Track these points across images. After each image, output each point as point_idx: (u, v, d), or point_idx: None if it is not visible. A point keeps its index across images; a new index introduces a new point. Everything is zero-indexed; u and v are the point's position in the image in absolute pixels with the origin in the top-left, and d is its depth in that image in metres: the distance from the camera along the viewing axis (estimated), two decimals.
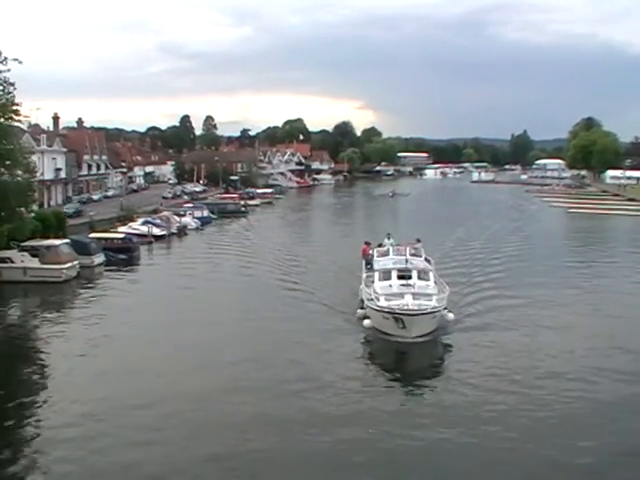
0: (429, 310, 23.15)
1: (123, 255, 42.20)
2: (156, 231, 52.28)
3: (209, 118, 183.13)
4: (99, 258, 40.22)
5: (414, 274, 26.88)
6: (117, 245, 43.24)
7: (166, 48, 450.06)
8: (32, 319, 28.99)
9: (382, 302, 23.89)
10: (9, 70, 34.14)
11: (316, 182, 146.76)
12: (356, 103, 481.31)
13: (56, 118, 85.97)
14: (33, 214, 41.09)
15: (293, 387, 19.39)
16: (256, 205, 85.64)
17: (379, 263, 29.37)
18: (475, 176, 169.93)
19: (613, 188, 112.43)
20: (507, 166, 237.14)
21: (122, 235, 46.23)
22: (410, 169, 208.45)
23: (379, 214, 79.24)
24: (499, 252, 44.45)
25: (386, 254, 30.52)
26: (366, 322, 24.32)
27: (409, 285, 25.77)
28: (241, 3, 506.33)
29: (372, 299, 24.59)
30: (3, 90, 34.45)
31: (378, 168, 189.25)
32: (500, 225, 62.32)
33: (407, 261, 27.82)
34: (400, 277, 26.81)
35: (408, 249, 29.96)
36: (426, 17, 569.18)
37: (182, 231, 56.76)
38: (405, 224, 60.45)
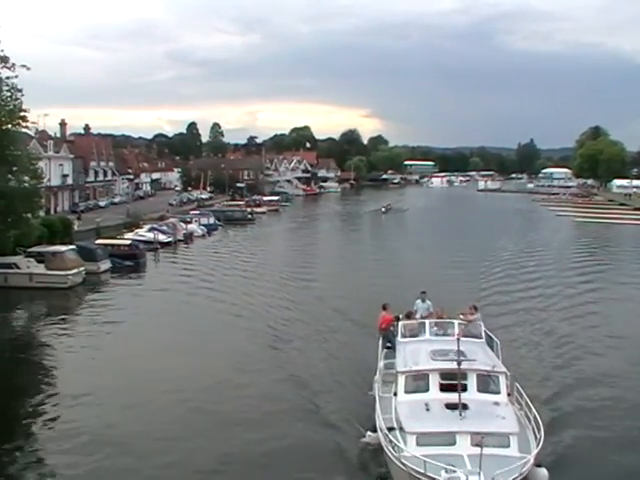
0: (508, 475, 11.94)
1: (129, 262, 42.35)
2: (162, 238, 52.36)
3: (216, 125, 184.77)
4: (105, 264, 40.29)
5: (472, 382, 14.79)
6: (123, 252, 43.32)
7: (174, 55, 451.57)
8: (37, 325, 29.00)
9: (412, 448, 12.95)
10: (17, 76, 34.32)
11: (322, 190, 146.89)
12: (363, 111, 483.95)
13: (63, 124, 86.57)
14: (40, 220, 41.15)
15: None
16: (262, 213, 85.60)
17: (406, 350, 16.79)
18: (481, 185, 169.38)
19: (620, 197, 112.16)
20: (514, 175, 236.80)
21: (128, 242, 46.43)
22: (416, 177, 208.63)
23: (366, 247, 56.46)
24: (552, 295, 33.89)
25: (419, 333, 17.83)
26: None
27: (464, 408, 13.84)
28: (249, 11, 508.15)
29: (393, 430, 13.85)
30: (11, 96, 34.56)
31: (385, 176, 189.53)
32: (522, 244, 55.89)
33: (460, 356, 14.67)
34: (446, 388, 14.75)
35: (457, 325, 17.39)
36: (433, 26, 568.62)
37: (188, 238, 56.87)
38: (406, 260, 46.99)
